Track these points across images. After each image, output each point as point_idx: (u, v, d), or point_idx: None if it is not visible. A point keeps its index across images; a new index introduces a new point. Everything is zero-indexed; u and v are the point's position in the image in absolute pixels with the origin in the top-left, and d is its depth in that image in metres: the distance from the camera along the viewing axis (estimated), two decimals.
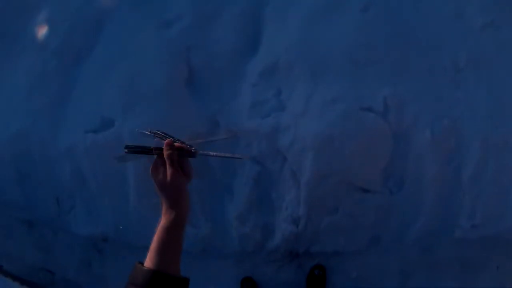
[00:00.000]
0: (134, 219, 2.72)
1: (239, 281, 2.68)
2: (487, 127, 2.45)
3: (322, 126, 2.42)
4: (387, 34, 2.61)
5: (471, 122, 2.46)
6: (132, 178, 2.66)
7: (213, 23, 2.80)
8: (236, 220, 2.60)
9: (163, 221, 1.06)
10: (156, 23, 2.86)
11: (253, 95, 2.59)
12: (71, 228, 2.97)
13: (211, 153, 1.17)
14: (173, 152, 1.10)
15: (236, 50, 2.73)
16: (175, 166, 1.09)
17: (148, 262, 0.99)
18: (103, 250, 2.99)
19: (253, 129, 2.51)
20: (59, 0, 3.25)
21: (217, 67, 2.70)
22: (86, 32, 3.07)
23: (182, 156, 1.12)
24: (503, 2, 2.74)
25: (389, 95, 2.47)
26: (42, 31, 3.19)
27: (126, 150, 1.16)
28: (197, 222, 2.64)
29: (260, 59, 2.68)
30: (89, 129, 2.75)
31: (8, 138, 2.97)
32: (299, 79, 2.55)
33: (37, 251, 3.14)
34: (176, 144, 1.12)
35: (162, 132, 1.18)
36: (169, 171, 1.08)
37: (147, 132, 1.20)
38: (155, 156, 1.12)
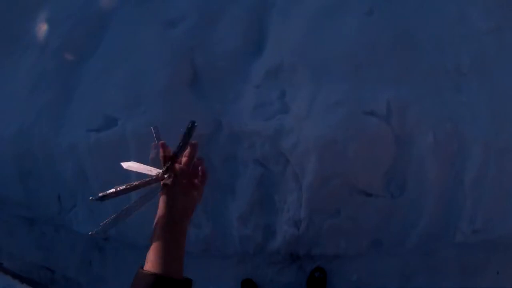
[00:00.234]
0: (135, 218, 2.70)
1: (240, 282, 2.68)
2: (489, 131, 2.45)
3: (325, 129, 2.42)
4: (390, 37, 2.61)
5: (473, 126, 2.46)
6: (134, 177, 2.65)
7: (217, 23, 2.80)
8: (237, 221, 2.60)
9: (161, 222, 1.04)
10: (160, 23, 2.86)
11: (256, 96, 2.59)
12: (72, 226, 2.97)
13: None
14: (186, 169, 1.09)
15: (240, 51, 2.73)
16: (186, 177, 1.09)
17: (148, 264, 0.97)
18: (103, 249, 2.99)
19: (256, 130, 2.51)
20: (61, 3, 3.26)
21: (221, 68, 2.71)
22: (89, 30, 3.08)
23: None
24: (507, 6, 2.75)
25: (392, 99, 2.47)
26: (44, 30, 3.20)
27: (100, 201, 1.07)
28: (198, 223, 2.64)
29: (264, 61, 2.68)
30: (91, 128, 2.75)
31: (10, 136, 2.98)
32: (303, 82, 2.55)
33: (38, 249, 3.14)
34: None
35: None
36: (180, 181, 1.08)
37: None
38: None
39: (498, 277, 2.56)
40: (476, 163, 2.46)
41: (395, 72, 2.54)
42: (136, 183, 1.10)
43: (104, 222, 1.01)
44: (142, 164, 1.16)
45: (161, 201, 1.07)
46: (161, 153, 1.11)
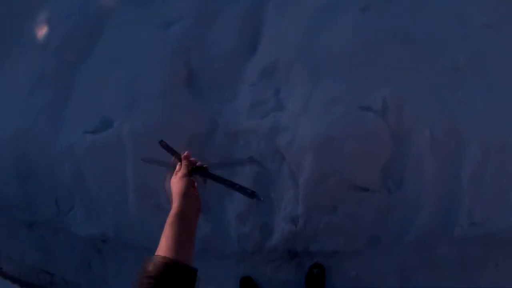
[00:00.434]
0: (134, 220, 2.72)
1: (238, 280, 2.69)
2: (487, 127, 2.46)
3: (321, 126, 2.43)
4: (386, 34, 2.62)
5: (470, 122, 2.47)
6: (132, 179, 2.66)
7: (212, 23, 2.81)
8: (235, 220, 2.60)
9: (175, 209, 1.15)
10: (156, 23, 2.87)
11: (252, 95, 2.60)
12: (71, 228, 2.97)
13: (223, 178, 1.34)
14: (188, 161, 1.33)
15: (236, 51, 2.74)
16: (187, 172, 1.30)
17: (162, 250, 1.02)
18: (102, 250, 2.99)
19: (252, 129, 2.52)
20: (58, 4, 3.26)
21: (217, 68, 2.71)
22: (86, 32, 3.08)
23: (194, 171, 1.33)
24: (504, 2, 2.76)
25: (389, 95, 2.48)
26: (42, 32, 3.20)
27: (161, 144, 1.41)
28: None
29: (259, 59, 2.69)
30: (88, 129, 2.76)
31: (7, 138, 2.97)
32: (298, 79, 2.56)
33: (37, 252, 3.14)
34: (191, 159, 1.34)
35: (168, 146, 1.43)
36: (182, 170, 1.30)
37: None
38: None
39: (498, 272, 2.56)
40: (474, 159, 2.47)
41: (391, 69, 2.55)
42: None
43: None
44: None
45: (177, 191, 1.22)
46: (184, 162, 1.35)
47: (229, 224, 2.63)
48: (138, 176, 2.63)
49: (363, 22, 2.65)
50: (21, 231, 3.19)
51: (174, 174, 1.32)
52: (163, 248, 1.03)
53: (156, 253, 1.02)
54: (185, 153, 1.36)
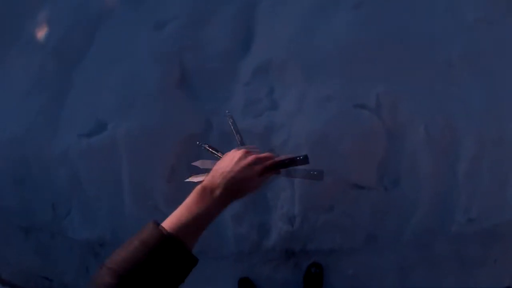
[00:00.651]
0: (130, 222, 2.71)
1: (237, 281, 2.68)
2: (482, 122, 2.47)
3: (315, 124, 2.43)
4: (379, 31, 2.63)
5: (465, 118, 2.48)
6: (127, 181, 2.65)
7: (206, 24, 2.82)
8: (232, 221, 2.60)
9: (208, 203, 1.01)
10: (150, 24, 2.88)
11: (246, 94, 2.60)
12: (68, 233, 2.96)
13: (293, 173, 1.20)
14: (272, 162, 1.15)
15: (229, 50, 2.74)
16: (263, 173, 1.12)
17: (168, 223, 0.93)
18: (100, 254, 2.98)
19: (247, 128, 2.51)
20: (53, 5, 3.25)
21: (211, 68, 2.72)
22: (80, 35, 3.08)
23: (272, 168, 1.15)
24: None
25: (382, 93, 2.48)
26: (36, 36, 3.20)
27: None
28: None
29: (252, 59, 2.69)
30: (83, 132, 2.75)
31: (3, 142, 2.97)
32: (292, 78, 2.57)
33: (35, 257, 3.12)
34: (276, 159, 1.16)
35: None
36: (260, 173, 1.11)
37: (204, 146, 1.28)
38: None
39: (496, 267, 2.56)
40: (469, 154, 2.48)
41: (385, 67, 2.56)
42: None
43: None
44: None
45: (249, 189, 1.09)
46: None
47: (226, 225, 2.63)
48: (133, 178, 2.63)
49: (356, 19, 2.66)
50: (18, 236, 3.17)
51: (253, 166, 1.11)
52: (172, 223, 0.94)
53: (163, 223, 0.94)
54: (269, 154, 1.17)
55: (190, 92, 2.70)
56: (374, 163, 2.53)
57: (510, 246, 2.55)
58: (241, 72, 2.68)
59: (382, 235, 2.62)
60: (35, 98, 2.99)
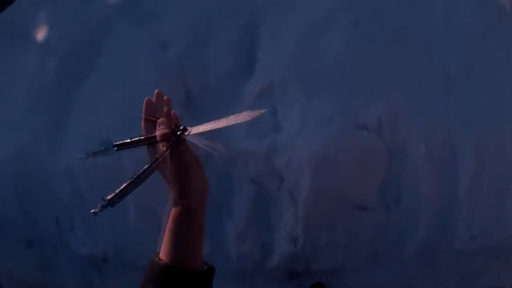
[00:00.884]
0: (134, 239, 2.72)
1: None
2: (482, 135, 2.48)
3: (317, 145, 2.45)
4: (378, 48, 2.65)
5: (465, 133, 2.49)
6: (132, 198, 2.66)
7: (208, 44, 2.82)
8: (235, 240, 2.61)
9: (169, 210, 0.97)
10: (153, 44, 2.89)
11: None
12: (71, 247, 2.97)
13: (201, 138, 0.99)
14: (167, 129, 0.94)
15: (232, 72, 2.76)
16: (173, 147, 0.94)
17: (162, 254, 0.92)
18: (103, 269, 2.98)
19: (250, 149, 2.53)
20: (57, 22, 3.28)
21: (213, 89, 2.74)
22: (84, 52, 3.10)
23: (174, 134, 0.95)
24: (492, 10, 2.79)
25: (383, 112, 2.50)
26: (40, 52, 3.22)
27: (115, 149, 1.03)
28: None
29: (255, 80, 2.71)
30: (87, 150, 2.76)
31: (7, 157, 2.98)
32: (294, 99, 2.58)
33: (37, 270, 3.12)
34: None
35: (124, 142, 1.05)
36: (167, 153, 0.93)
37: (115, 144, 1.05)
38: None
39: (499, 283, 2.56)
40: (470, 169, 2.49)
41: (385, 84, 2.57)
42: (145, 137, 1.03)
43: (110, 195, 0.92)
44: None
45: (174, 189, 0.95)
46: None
47: (229, 243, 2.63)
48: (137, 195, 2.63)
49: (354, 38, 2.67)
50: (21, 249, 3.18)
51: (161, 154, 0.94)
52: (166, 250, 0.92)
53: (160, 255, 0.93)
54: (161, 119, 0.97)
55: (193, 112, 2.72)
56: (375, 182, 2.54)
57: None
58: (244, 93, 2.70)
59: (385, 253, 2.63)
60: (39, 113, 3.01)
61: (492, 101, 2.55)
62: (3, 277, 3.14)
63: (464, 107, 2.54)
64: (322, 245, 2.55)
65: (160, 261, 0.90)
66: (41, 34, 3.31)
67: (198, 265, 0.93)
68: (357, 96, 2.54)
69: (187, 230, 0.94)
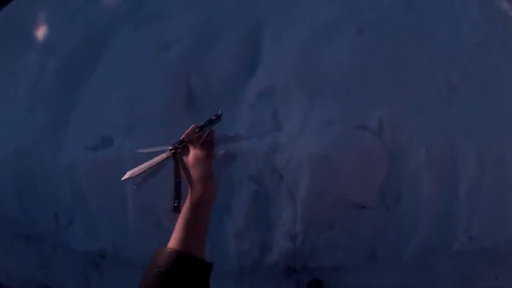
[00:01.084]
0: (133, 236, 2.72)
1: None
2: (482, 142, 2.49)
3: (318, 145, 2.46)
4: (381, 55, 2.67)
5: (466, 138, 2.50)
6: (131, 196, 2.67)
7: (212, 46, 2.84)
8: (234, 238, 2.61)
9: (187, 201, 1.08)
10: (156, 44, 2.91)
11: (251, 116, 2.63)
12: (70, 244, 2.97)
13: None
14: (193, 135, 1.19)
15: (235, 73, 2.78)
16: (198, 147, 1.17)
17: (172, 242, 0.99)
18: (101, 266, 2.99)
19: (251, 148, 2.54)
20: (61, 21, 3.29)
21: (216, 89, 2.75)
22: (88, 52, 3.12)
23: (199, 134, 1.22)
24: (495, 20, 2.81)
25: (384, 116, 2.51)
26: (44, 51, 3.22)
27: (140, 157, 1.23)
28: None
29: (257, 81, 2.72)
30: (88, 146, 2.77)
31: (8, 155, 2.99)
32: (296, 101, 2.60)
33: (36, 267, 3.13)
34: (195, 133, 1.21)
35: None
36: (192, 151, 1.16)
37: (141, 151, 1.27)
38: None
39: (497, 284, 2.56)
40: (470, 174, 2.50)
41: (387, 89, 2.59)
42: (153, 159, 1.22)
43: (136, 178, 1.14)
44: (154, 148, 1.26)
45: (194, 179, 1.11)
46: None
47: (228, 242, 2.64)
48: (137, 193, 2.65)
49: (359, 44, 2.70)
50: (20, 246, 3.18)
51: (188, 155, 1.18)
52: (176, 239, 1.00)
53: (168, 245, 1.00)
54: (189, 130, 1.21)
55: (196, 112, 2.73)
56: (375, 183, 2.55)
57: (511, 263, 2.56)
58: (247, 94, 2.71)
59: (383, 253, 2.64)
60: (41, 112, 3.02)
61: (493, 106, 2.57)
62: (2, 274, 3.14)
63: (465, 111, 2.56)
64: (321, 243, 2.56)
65: (167, 248, 0.97)
66: (42, 34, 3.32)
67: (202, 256, 1.01)
68: (359, 99, 2.55)
69: (198, 218, 1.05)
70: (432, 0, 2.91)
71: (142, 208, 2.66)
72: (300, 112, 2.54)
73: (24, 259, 3.17)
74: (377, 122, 2.49)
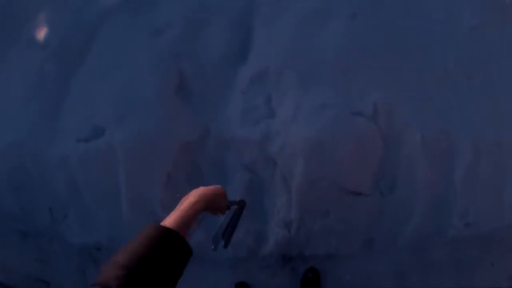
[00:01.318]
0: (127, 228, 2.72)
1: (234, 286, 2.69)
2: (478, 128, 2.48)
3: (312, 131, 2.44)
4: (375, 39, 2.64)
5: (462, 124, 2.49)
6: (125, 187, 2.66)
7: (203, 31, 2.81)
8: None
9: (189, 205, 1.19)
10: (147, 31, 2.87)
11: (243, 102, 2.61)
12: (65, 237, 2.97)
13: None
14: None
15: (226, 58, 2.75)
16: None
17: (164, 222, 1.09)
18: (97, 259, 2.98)
19: (244, 136, 2.53)
20: (52, 11, 3.25)
21: (208, 75, 2.72)
22: (78, 42, 3.08)
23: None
24: (491, 5, 2.79)
25: (379, 100, 2.49)
26: (33, 42, 3.19)
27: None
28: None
29: (250, 66, 2.70)
30: (80, 138, 2.75)
31: (2, 149, 2.97)
32: (289, 86, 2.57)
33: (33, 261, 3.12)
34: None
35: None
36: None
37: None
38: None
39: (493, 271, 2.57)
40: (466, 160, 2.49)
41: (381, 74, 2.57)
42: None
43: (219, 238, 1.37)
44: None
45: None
46: None
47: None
48: (130, 184, 2.63)
49: (353, 28, 2.66)
50: (16, 241, 3.18)
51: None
52: (166, 219, 1.11)
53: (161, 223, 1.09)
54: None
55: (188, 99, 2.71)
56: (370, 169, 2.54)
57: (507, 249, 2.56)
58: (239, 80, 2.69)
59: (379, 240, 2.63)
60: (33, 104, 2.99)
61: (489, 91, 2.56)
62: (0, 271, 3.14)
63: (461, 96, 2.54)
64: (316, 231, 2.56)
65: (160, 224, 1.05)
66: (33, 24, 3.28)
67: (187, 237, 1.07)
68: (353, 84, 2.54)
69: (191, 208, 1.17)
70: None
71: (136, 198, 2.65)
72: (293, 98, 2.52)
73: (20, 253, 3.16)
74: (372, 107, 2.47)
